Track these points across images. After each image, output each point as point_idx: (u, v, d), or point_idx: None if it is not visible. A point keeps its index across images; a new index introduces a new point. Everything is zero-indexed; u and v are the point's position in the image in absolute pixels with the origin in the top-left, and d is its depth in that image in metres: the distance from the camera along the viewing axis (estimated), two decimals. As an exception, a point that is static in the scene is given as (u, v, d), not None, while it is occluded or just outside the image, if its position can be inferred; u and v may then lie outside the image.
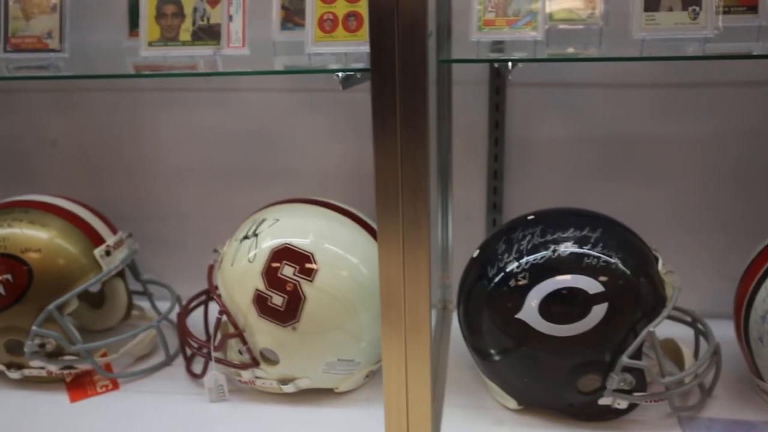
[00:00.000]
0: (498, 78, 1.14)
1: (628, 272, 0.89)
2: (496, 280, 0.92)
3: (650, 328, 0.89)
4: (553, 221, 0.94)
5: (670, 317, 1.08)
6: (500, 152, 1.18)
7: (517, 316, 0.89)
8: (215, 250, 1.06)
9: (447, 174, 1.22)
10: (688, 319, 1.05)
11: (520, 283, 0.90)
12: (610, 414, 0.94)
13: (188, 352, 1.11)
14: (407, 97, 0.73)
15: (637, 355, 0.90)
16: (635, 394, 0.92)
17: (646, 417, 0.96)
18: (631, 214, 1.07)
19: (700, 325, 1.03)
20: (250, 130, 1.26)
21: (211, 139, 1.27)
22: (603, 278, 0.88)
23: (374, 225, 1.05)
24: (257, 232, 1.00)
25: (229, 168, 1.28)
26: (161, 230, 1.33)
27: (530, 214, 0.98)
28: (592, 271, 0.88)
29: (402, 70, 0.73)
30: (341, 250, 0.98)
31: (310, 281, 0.95)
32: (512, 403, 0.97)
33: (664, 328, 1.07)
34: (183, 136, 1.28)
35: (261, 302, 0.96)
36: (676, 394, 0.94)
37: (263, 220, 1.01)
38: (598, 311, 0.87)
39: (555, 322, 0.88)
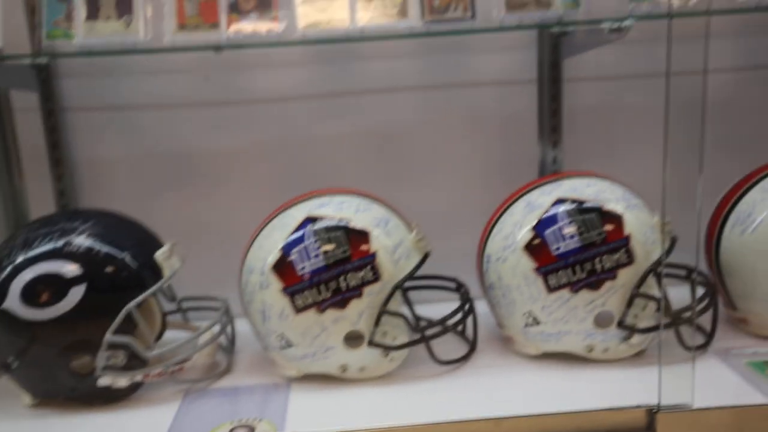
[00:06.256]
0: (48, 101, 1.22)
1: (112, 255, 0.97)
2: (-1, 278, 0.96)
3: (130, 305, 0.97)
4: (49, 220, 1.01)
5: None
6: (65, 173, 1.25)
7: (2, 307, 0.94)
8: None
9: (23, 202, 1.26)
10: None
11: (4, 275, 0.95)
12: (115, 394, 0.99)
13: None
14: None
15: (127, 331, 0.97)
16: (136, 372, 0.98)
17: (155, 395, 1.02)
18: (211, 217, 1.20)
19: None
20: None
21: None
22: (82, 262, 0.95)
23: None
24: None
25: None
26: None
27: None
28: (71, 257, 0.95)
29: None
30: None
31: None
32: (28, 399, 1.00)
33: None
34: None
35: None
36: (176, 369, 1.00)
37: None
38: (77, 292, 0.94)
39: (36, 307, 0.93)
